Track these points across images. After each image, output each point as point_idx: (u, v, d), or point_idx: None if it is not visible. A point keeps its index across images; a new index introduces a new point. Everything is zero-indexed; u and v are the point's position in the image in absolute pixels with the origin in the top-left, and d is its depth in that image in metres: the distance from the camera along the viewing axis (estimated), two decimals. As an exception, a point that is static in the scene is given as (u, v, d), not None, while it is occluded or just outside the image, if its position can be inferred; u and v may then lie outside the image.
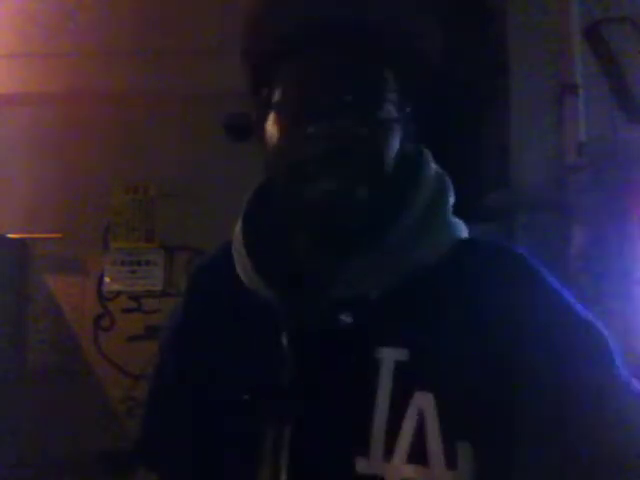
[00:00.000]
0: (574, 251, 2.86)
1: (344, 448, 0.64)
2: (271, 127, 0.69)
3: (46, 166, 3.32)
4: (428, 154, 0.75)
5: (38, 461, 3.00)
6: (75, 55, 3.34)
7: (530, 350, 0.62)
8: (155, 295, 3.27)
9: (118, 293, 3.29)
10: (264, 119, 0.70)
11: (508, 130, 3.17)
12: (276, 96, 0.68)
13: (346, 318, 0.66)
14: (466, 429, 0.61)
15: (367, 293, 0.67)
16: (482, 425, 0.61)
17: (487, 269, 0.67)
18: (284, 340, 0.68)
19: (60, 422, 3.06)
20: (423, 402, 0.62)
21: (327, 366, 0.66)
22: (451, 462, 0.61)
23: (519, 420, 0.61)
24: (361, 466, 0.63)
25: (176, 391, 0.77)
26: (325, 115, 0.64)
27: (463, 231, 0.73)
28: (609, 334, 0.67)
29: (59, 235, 3.29)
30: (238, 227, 0.77)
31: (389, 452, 0.62)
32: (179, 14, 3.34)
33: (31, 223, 3.31)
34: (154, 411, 0.85)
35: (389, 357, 0.65)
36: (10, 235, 3.25)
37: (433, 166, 0.74)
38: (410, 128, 0.71)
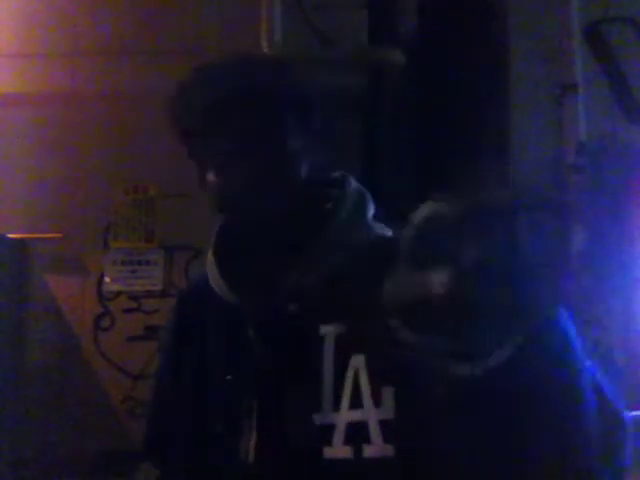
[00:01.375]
0: (574, 251, 2.85)
1: (302, 407, 0.82)
2: (210, 173, 0.97)
3: (46, 166, 3.32)
4: (348, 176, 0.95)
5: (38, 461, 3.00)
6: (75, 55, 3.34)
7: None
8: (155, 295, 3.27)
9: (118, 293, 3.29)
10: (204, 169, 0.99)
11: (508, 130, 3.17)
12: (207, 148, 0.95)
13: (292, 307, 0.85)
14: (388, 378, 0.79)
15: (309, 284, 0.84)
16: (399, 373, 0.78)
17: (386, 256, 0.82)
18: (250, 332, 0.87)
19: (60, 422, 3.06)
20: (357, 362, 0.81)
21: (285, 346, 0.85)
22: (378, 402, 0.79)
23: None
24: (317, 419, 0.81)
25: (174, 394, 0.96)
26: (242, 156, 0.88)
27: (384, 229, 0.91)
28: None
29: (59, 235, 3.29)
30: (210, 252, 0.96)
31: (337, 405, 0.81)
32: (179, 14, 3.34)
33: (31, 223, 3.31)
34: (156, 413, 1.03)
35: (330, 332, 0.83)
36: (10, 235, 3.24)
37: (354, 185, 0.94)
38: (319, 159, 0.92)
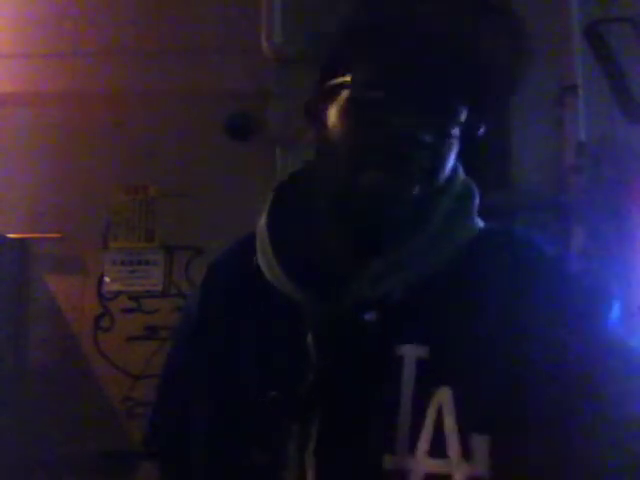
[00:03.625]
0: (574, 251, 2.86)
1: (371, 446, 0.65)
2: (340, 115, 0.69)
3: (46, 166, 3.32)
4: (457, 162, 0.76)
5: (38, 461, 3.00)
6: (75, 55, 3.34)
7: (536, 338, 0.65)
8: (155, 295, 3.26)
9: (118, 293, 3.29)
10: (331, 100, 0.70)
11: (508, 130, 3.17)
12: (358, 83, 0.68)
13: (370, 317, 0.68)
14: (481, 422, 0.63)
15: (391, 293, 0.68)
16: (497, 418, 0.63)
17: (497, 262, 0.70)
18: (309, 339, 0.69)
19: (60, 422, 3.06)
20: (442, 397, 0.64)
21: (351, 364, 0.68)
22: (467, 453, 0.63)
23: (532, 408, 0.63)
24: (388, 462, 0.64)
25: (191, 386, 0.78)
26: (401, 119, 0.65)
27: (480, 223, 0.76)
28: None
29: (59, 235, 3.29)
30: (262, 225, 0.77)
31: (413, 447, 0.64)
32: (179, 14, 3.33)
33: (31, 223, 3.30)
34: (165, 401, 0.86)
35: (411, 354, 0.66)
36: (10, 235, 3.24)
37: (461, 173, 0.78)
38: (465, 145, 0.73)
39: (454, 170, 0.74)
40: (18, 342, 3.21)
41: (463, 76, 0.66)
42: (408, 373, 0.66)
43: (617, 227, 2.74)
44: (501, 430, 0.63)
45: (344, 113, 0.69)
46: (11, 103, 3.36)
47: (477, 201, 0.77)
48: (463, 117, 0.69)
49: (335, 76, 0.70)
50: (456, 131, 0.69)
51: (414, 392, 0.65)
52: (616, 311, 0.71)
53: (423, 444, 0.64)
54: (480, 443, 0.63)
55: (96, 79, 3.29)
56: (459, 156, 0.75)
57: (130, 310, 3.27)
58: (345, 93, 0.69)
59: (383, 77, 0.66)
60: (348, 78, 0.68)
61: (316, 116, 0.72)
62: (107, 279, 3.29)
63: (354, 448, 0.66)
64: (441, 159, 0.68)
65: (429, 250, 0.70)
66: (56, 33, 3.36)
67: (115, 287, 3.28)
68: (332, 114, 0.70)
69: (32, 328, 3.26)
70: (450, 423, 0.64)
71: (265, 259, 0.74)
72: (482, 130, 0.71)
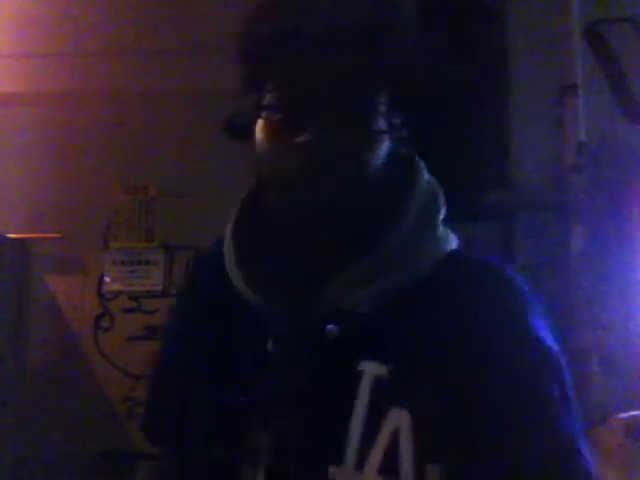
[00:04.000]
0: (574, 251, 2.86)
1: (320, 455, 0.65)
2: (259, 132, 0.70)
3: (46, 166, 3.32)
4: (420, 163, 0.74)
5: (38, 461, 3.00)
6: (75, 55, 3.33)
7: (492, 377, 0.65)
8: (155, 295, 3.26)
9: (118, 293, 3.29)
10: (255, 121, 0.71)
11: (508, 130, 3.17)
12: (266, 101, 0.68)
13: (332, 330, 0.67)
14: (438, 451, 0.63)
15: (357, 306, 0.67)
16: (453, 449, 0.63)
17: (467, 288, 0.68)
18: (269, 346, 0.69)
19: (60, 422, 3.06)
20: (399, 419, 0.64)
21: (308, 375, 0.67)
22: (420, 479, 0.62)
23: (486, 436, 0.64)
24: (334, 474, 0.64)
25: (177, 373, 0.80)
26: (312, 125, 0.64)
27: (452, 242, 0.74)
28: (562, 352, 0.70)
29: (59, 235, 3.29)
30: (229, 229, 0.78)
31: (361, 463, 0.64)
32: (179, 14, 3.33)
33: (31, 223, 3.30)
34: (157, 392, 0.87)
35: (369, 371, 0.65)
36: (10, 235, 3.24)
37: (426, 176, 0.74)
38: (401, 137, 0.70)
39: (416, 172, 0.73)
40: (18, 342, 3.21)
41: (371, 71, 0.65)
42: (364, 389, 0.65)
43: (617, 227, 2.74)
44: (455, 459, 0.63)
45: (264, 132, 0.69)
46: (11, 103, 3.36)
47: (442, 211, 0.74)
48: (383, 110, 0.66)
49: (252, 94, 0.72)
50: (378, 126, 0.66)
51: (369, 409, 0.65)
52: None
53: (373, 461, 0.64)
54: (434, 471, 0.63)
55: (96, 79, 3.29)
56: (427, 159, 0.74)
57: (130, 310, 3.27)
58: (261, 114, 0.69)
59: (290, 94, 0.66)
60: (259, 100, 0.69)
61: (250, 135, 0.72)
62: (107, 279, 3.29)
63: (304, 457, 0.66)
64: (362, 157, 0.66)
65: (396, 265, 0.68)
66: (56, 33, 3.36)
67: (115, 287, 3.28)
68: (257, 133, 0.71)
69: (32, 328, 3.26)
70: (404, 447, 0.63)
71: (229, 264, 0.75)
72: (405, 126, 0.69)
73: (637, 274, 2.73)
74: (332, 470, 0.64)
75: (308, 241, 0.69)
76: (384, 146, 0.67)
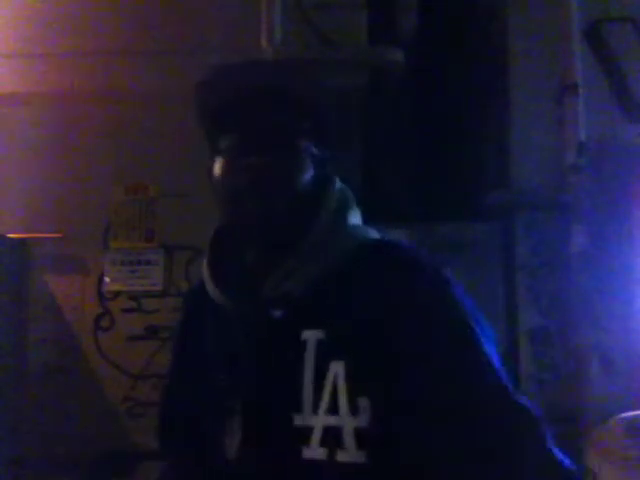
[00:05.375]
0: (574, 251, 2.86)
1: (284, 408, 0.86)
2: (217, 168, 0.94)
3: (46, 166, 3.32)
4: (333, 176, 0.97)
5: (38, 461, 3.01)
6: (75, 55, 3.34)
7: (403, 325, 0.84)
8: (155, 295, 3.27)
9: (118, 293, 3.29)
10: (213, 162, 0.95)
11: (508, 130, 3.18)
12: (221, 145, 0.94)
13: (277, 313, 0.89)
14: (364, 387, 0.83)
15: (291, 291, 0.89)
16: (376, 384, 0.83)
17: (379, 265, 0.89)
18: (238, 336, 0.91)
19: (60, 422, 3.06)
20: (337, 368, 0.84)
21: (270, 350, 0.89)
22: (354, 411, 0.83)
23: (402, 378, 0.83)
24: (297, 419, 0.85)
25: (177, 387, 1.02)
26: (255, 153, 0.89)
27: (368, 234, 0.95)
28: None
29: (59, 235, 3.29)
30: (206, 254, 1.00)
31: (316, 408, 0.85)
32: (179, 14, 3.34)
33: (31, 223, 3.31)
34: (162, 404, 1.08)
35: (312, 337, 0.87)
36: (10, 235, 3.25)
37: (337, 186, 0.96)
38: (322, 159, 0.94)
39: (328, 183, 0.94)
40: (18, 342, 3.22)
41: (293, 116, 0.91)
42: (310, 352, 0.86)
43: (617, 227, 2.75)
44: (378, 392, 0.83)
45: (219, 166, 0.94)
46: (11, 103, 3.36)
47: (353, 211, 0.96)
48: (304, 143, 0.91)
49: (210, 139, 0.98)
50: (300, 149, 0.91)
51: (315, 366, 0.85)
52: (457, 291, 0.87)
53: (323, 404, 0.84)
54: (364, 402, 0.83)
55: (96, 79, 3.29)
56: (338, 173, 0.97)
57: (130, 310, 3.28)
58: (217, 152, 0.95)
59: (238, 133, 0.91)
60: (217, 140, 0.95)
61: (208, 174, 0.98)
62: (107, 279, 3.29)
63: (272, 411, 0.87)
64: (292, 172, 0.90)
65: (314, 257, 0.90)
66: (56, 33, 3.36)
67: (115, 287, 3.29)
68: (214, 170, 0.95)
69: (32, 328, 3.26)
70: (341, 388, 0.84)
71: (207, 281, 0.97)
72: (326, 154, 0.95)
73: (637, 274, 2.74)
74: (296, 417, 0.85)
75: (254, 246, 0.94)
76: (308, 167, 0.91)
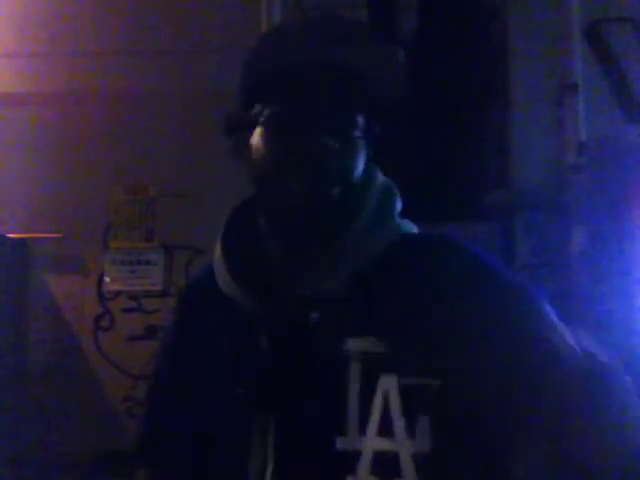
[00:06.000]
0: (574, 251, 2.86)
1: (324, 429, 0.73)
2: (259, 140, 0.80)
3: (46, 166, 3.32)
4: (376, 167, 0.86)
5: (38, 461, 3.00)
6: (75, 55, 3.34)
7: (468, 323, 0.73)
8: (155, 295, 3.27)
9: (118, 293, 3.29)
10: (250, 135, 0.81)
11: (508, 130, 3.17)
12: (267, 114, 0.79)
13: (314, 316, 0.76)
14: (423, 404, 0.72)
15: (330, 290, 0.76)
16: (437, 399, 0.71)
17: (422, 260, 0.78)
18: (263, 341, 0.78)
19: (60, 422, 3.06)
20: (388, 383, 0.72)
21: (303, 360, 0.76)
22: (411, 433, 0.71)
23: (469, 391, 0.71)
24: (340, 443, 0.73)
25: (174, 395, 0.87)
26: (308, 132, 0.76)
27: (413, 228, 0.84)
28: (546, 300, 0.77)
29: (59, 235, 3.29)
30: (218, 244, 0.87)
31: (363, 429, 0.72)
32: (179, 14, 3.34)
33: (31, 223, 3.31)
34: (153, 412, 0.94)
35: (356, 346, 0.74)
36: (10, 235, 3.24)
37: (380, 177, 0.85)
38: (373, 147, 0.82)
39: (370, 172, 0.83)
40: (18, 342, 3.21)
41: (350, 94, 0.78)
42: (355, 363, 0.73)
43: (617, 227, 2.74)
44: (439, 411, 0.71)
45: (262, 138, 0.79)
46: (11, 103, 3.36)
47: (397, 203, 0.84)
48: (361, 123, 0.79)
49: (249, 109, 0.82)
50: (357, 134, 0.78)
51: (362, 380, 0.73)
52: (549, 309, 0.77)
53: (372, 425, 0.72)
54: (422, 423, 0.71)
55: (96, 79, 3.29)
56: (376, 160, 0.85)
57: (130, 310, 3.28)
58: (262, 123, 0.80)
59: (288, 104, 0.78)
60: (261, 109, 0.80)
61: (240, 146, 0.83)
62: (107, 279, 3.29)
63: (309, 433, 0.74)
64: (348, 159, 0.78)
65: (356, 250, 0.78)
66: (56, 33, 3.36)
67: (115, 287, 3.29)
68: (254, 142, 0.80)
69: (32, 328, 3.26)
70: (395, 406, 0.71)
71: (220, 275, 0.83)
72: (381, 134, 0.82)
73: (637, 274, 2.73)
74: (339, 440, 0.72)
75: (287, 233, 0.80)
76: (362, 150, 0.79)
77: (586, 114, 2.86)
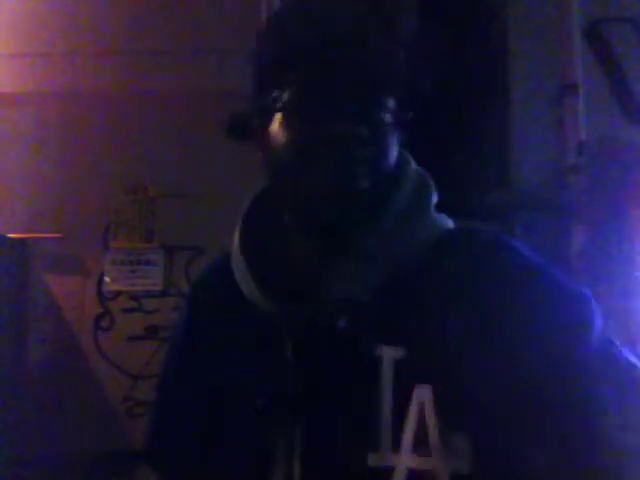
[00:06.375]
0: (574, 251, 2.85)
1: (355, 444, 0.67)
2: (278, 127, 0.72)
3: (46, 166, 3.32)
4: (408, 155, 0.78)
5: (38, 461, 3.00)
6: (75, 55, 3.34)
7: (524, 341, 0.66)
8: (155, 295, 3.27)
9: (118, 293, 3.29)
10: (268, 121, 0.73)
11: (508, 130, 3.17)
12: (286, 98, 0.71)
13: (342, 323, 0.69)
14: (462, 419, 0.65)
15: (359, 295, 0.69)
16: (477, 414, 0.65)
17: (467, 262, 0.71)
18: (288, 349, 0.71)
19: (60, 422, 3.06)
20: (423, 395, 0.66)
21: (330, 369, 0.70)
22: (449, 449, 0.65)
23: (515, 408, 0.65)
24: (372, 459, 0.66)
25: (183, 399, 0.81)
26: (333, 118, 0.68)
27: (449, 222, 0.77)
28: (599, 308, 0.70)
29: (59, 235, 3.29)
30: (236, 240, 0.80)
31: (396, 444, 0.66)
32: (179, 14, 3.34)
33: (31, 223, 3.30)
34: (161, 415, 0.89)
35: (387, 355, 0.67)
36: (10, 235, 3.24)
37: (413, 165, 0.78)
38: (404, 133, 0.75)
39: (403, 162, 0.76)
40: (18, 342, 3.21)
41: (377, 74, 0.71)
42: (387, 373, 0.67)
43: (617, 227, 2.74)
44: (480, 427, 0.65)
45: (283, 126, 0.71)
46: (11, 103, 3.36)
47: (433, 195, 0.77)
48: (392, 106, 0.71)
49: (266, 97, 0.73)
50: (388, 118, 0.71)
51: (394, 391, 0.67)
52: (600, 319, 0.70)
53: (406, 441, 0.66)
54: (460, 440, 0.65)
55: (96, 79, 3.29)
56: (408, 149, 0.78)
57: (130, 310, 3.27)
58: (281, 109, 0.72)
59: (311, 89, 0.70)
60: (279, 93, 0.72)
61: (259, 135, 0.75)
62: (107, 279, 3.29)
63: (339, 448, 0.68)
64: (379, 147, 0.70)
65: (388, 250, 0.71)
66: (56, 33, 3.36)
67: (115, 287, 3.28)
68: (273, 129, 0.72)
69: (32, 328, 3.26)
70: (431, 421, 0.65)
71: (240, 275, 0.77)
72: (410, 115, 0.74)
73: (637, 274, 2.73)
74: (371, 456, 0.66)
75: (313, 230, 0.73)
76: (393, 137, 0.72)
77: (586, 114, 2.86)
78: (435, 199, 0.77)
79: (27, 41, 3.37)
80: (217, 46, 3.21)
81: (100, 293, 3.29)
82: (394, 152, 0.72)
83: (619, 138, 2.82)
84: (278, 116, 0.72)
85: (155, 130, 3.28)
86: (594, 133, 2.85)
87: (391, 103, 0.71)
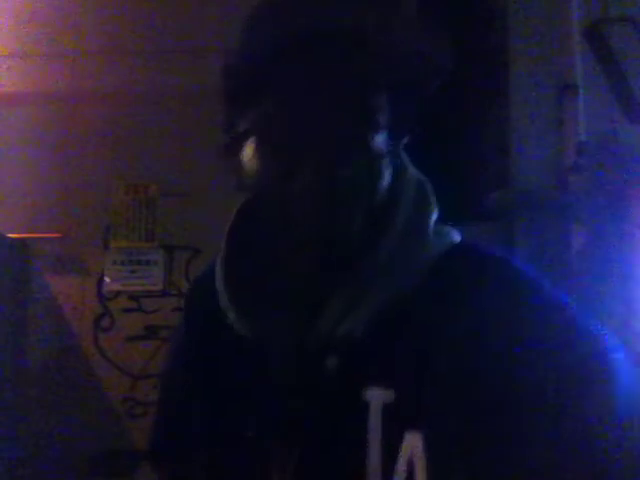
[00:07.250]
0: (574, 251, 2.86)
1: None
2: (250, 159, 0.65)
3: (46, 166, 3.32)
4: (406, 158, 0.70)
5: (38, 461, 3.00)
6: (75, 55, 3.34)
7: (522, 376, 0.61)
8: (155, 295, 3.26)
9: (118, 293, 3.29)
10: (239, 146, 0.66)
11: (508, 130, 3.17)
12: (257, 125, 0.63)
13: (331, 362, 0.65)
14: (452, 468, 0.61)
15: (352, 331, 0.64)
16: (470, 464, 0.60)
17: (465, 289, 0.64)
18: (272, 380, 0.67)
19: (60, 422, 3.06)
20: (413, 442, 0.61)
21: (318, 409, 0.65)
22: None
23: (508, 453, 0.60)
24: None
25: (185, 399, 0.78)
26: (310, 155, 0.60)
27: (453, 237, 0.70)
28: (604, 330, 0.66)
29: (59, 235, 3.29)
30: (219, 260, 0.74)
31: None
32: (179, 14, 3.33)
33: (31, 223, 3.30)
34: (164, 417, 0.86)
35: (376, 399, 0.63)
36: (10, 235, 3.24)
37: (411, 171, 0.70)
38: (402, 147, 0.68)
39: (401, 170, 0.68)
40: (18, 342, 3.21)
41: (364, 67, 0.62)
42: (374, 418, 0.62)
43: (617, 227, 2.74)
44: (472, 476, 0.60)
45: (255, 158, 0.64)
46: (11, 103, 3.36)
47: (433, 214, 0.70)
48: (383, 109, 0.63)
49: (238, 115, 0.66)
50: (378, 138, 0.62)
51: (383, 437, 0.62)
52: (603, 343, 0.66)
53: None
54: None
55: (96, 79, 3.29)
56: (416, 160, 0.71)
57: (130, 310, 3.27)
58: (251, 137, 0.64)
59: (283, 112, 0.62)
60: (252, 116, 0.64)
61: (231, 158, 0.68)
62: (107, 279, 3.29)
63: None
64: (369, 182, 0.63)
65: (383, 280, 0.64)
66: (56, 33, 3.36)
67: (115, 287, 3.28)
68: (245, 158, 0.65)
69: (32, 328, 3.25)
70: (420, 469, 0.60)
71: (222, 297, 0.71)
72: (407, 136, 0.67)
73: (637, 274, 2.73)
74: None
75: (304, 266, 0.66)
76: (385, 166, 0.64)
77: (586, 114, 2.86)
78: (435, 216, 0.71)
79: (27, 41, 3.37)
80: (217, 46, 3.21)
81: (100, 293, 3.29)
82: (381, 183, 0.64)
83: (619, 138, 2.82)
84: (250, 146, 0.65)
85: (155, 130, 3.28)
86: (594, 133, 2.85)
87: (382, 106, 0.63)
